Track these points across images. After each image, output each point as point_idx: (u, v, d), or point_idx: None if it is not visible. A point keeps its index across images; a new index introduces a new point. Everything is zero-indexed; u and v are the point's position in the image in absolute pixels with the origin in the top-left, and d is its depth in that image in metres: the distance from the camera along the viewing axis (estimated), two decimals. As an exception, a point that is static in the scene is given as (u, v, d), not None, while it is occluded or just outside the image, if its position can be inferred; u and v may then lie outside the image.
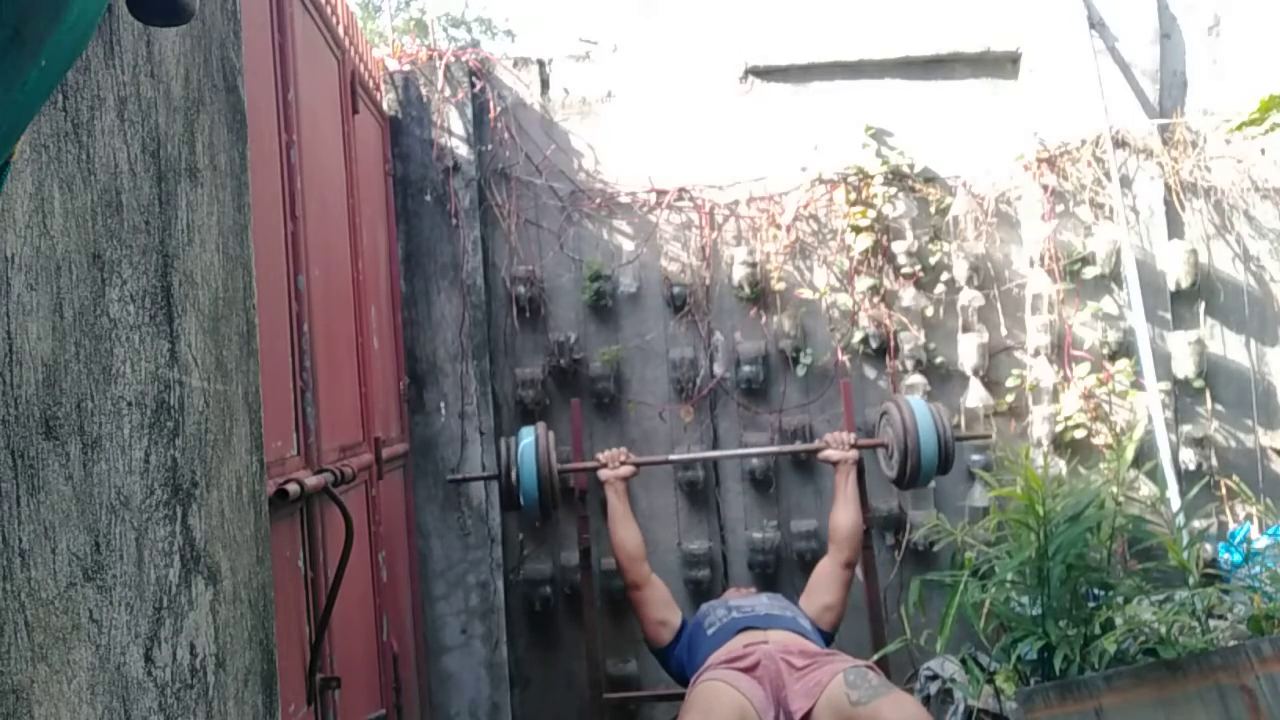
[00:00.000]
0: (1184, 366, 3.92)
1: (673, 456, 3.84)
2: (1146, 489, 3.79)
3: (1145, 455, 3.78)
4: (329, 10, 2.96)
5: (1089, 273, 3.97)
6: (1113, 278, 3.98)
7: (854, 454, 3.61)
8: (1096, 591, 3.15)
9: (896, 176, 4.01)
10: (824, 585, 3.49)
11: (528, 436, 3.52)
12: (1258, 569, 3.31)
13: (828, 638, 3.37)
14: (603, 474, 3.63)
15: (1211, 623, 3.12)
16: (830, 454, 3.64)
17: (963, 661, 3.46)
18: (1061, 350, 3.97)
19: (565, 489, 3.79)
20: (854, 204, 4.00)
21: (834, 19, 4.04)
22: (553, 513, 3.64)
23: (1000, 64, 4.08)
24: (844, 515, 3.53)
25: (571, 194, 4.06)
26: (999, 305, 4.03)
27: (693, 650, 3.30)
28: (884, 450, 3.65)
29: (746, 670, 3.03)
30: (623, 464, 3.63)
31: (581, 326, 4.05)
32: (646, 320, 4.06)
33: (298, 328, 2.34)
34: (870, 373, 4.05)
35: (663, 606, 3.48)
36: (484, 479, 3.76)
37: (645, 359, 4.07)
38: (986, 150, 4.03)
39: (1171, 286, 3.96)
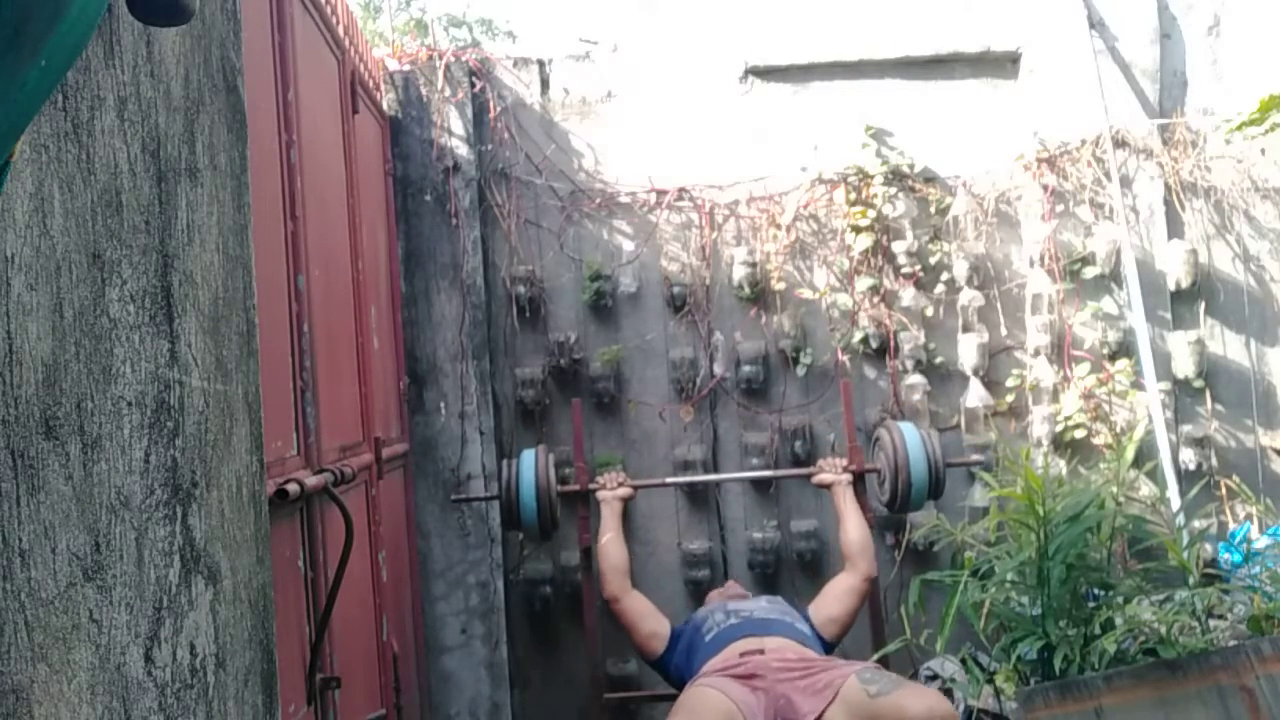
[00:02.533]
0: (1184, 366, 3.92)
1: (669, 480, 3.89)
2: (1146, 489, 3.79)
3: (1145, 455, 3.78)
4: (329, 10, 2.96)
5: (1089, 273, 3.97)
6: (1113, 278, 3.98)
7: (847, 477, 3.63)
8: (1096, 591, 3.15)
9: (896, 176, 4.01)
10: (835, 597, 3.46)
11: (528, 460, 3.56)
12: (1258, 569, 3.31)
13: (828, 646, 3.35)
14: (600, 494, 3.66)
15: (1211, 623, 3.12)
16: (824, 478, 3.67)
17: (963, 661, 3.46)
18: (1061, 350, 3.97)
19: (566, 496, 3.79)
20: (854, 204, 4.00)
21: (834, 19, 4.04)
22: (552, 534, 3.67)
23: (1000, 64, 4.08)
24: (851, 530, 3.52)
25: (571, 194, 4.06)
26: (999, 305, 4.03)
27: (690, 655, 3.28)
28: (876, 475, 3.67)
29: (741, 678, 3.02)
30: (620, 485, 3.66)
31: (581, 326, 4.05)
32: (646, 320, 4.06)
33: (298, 328, 2.34)
34: (870, 373, 4.05)
35: (649, 618, 3.47)
36: (485, 499, 3.80)
37: (645, 359, 4.07)
38: (986, 150, 4.03)
39: (1171, 286, 3.96)
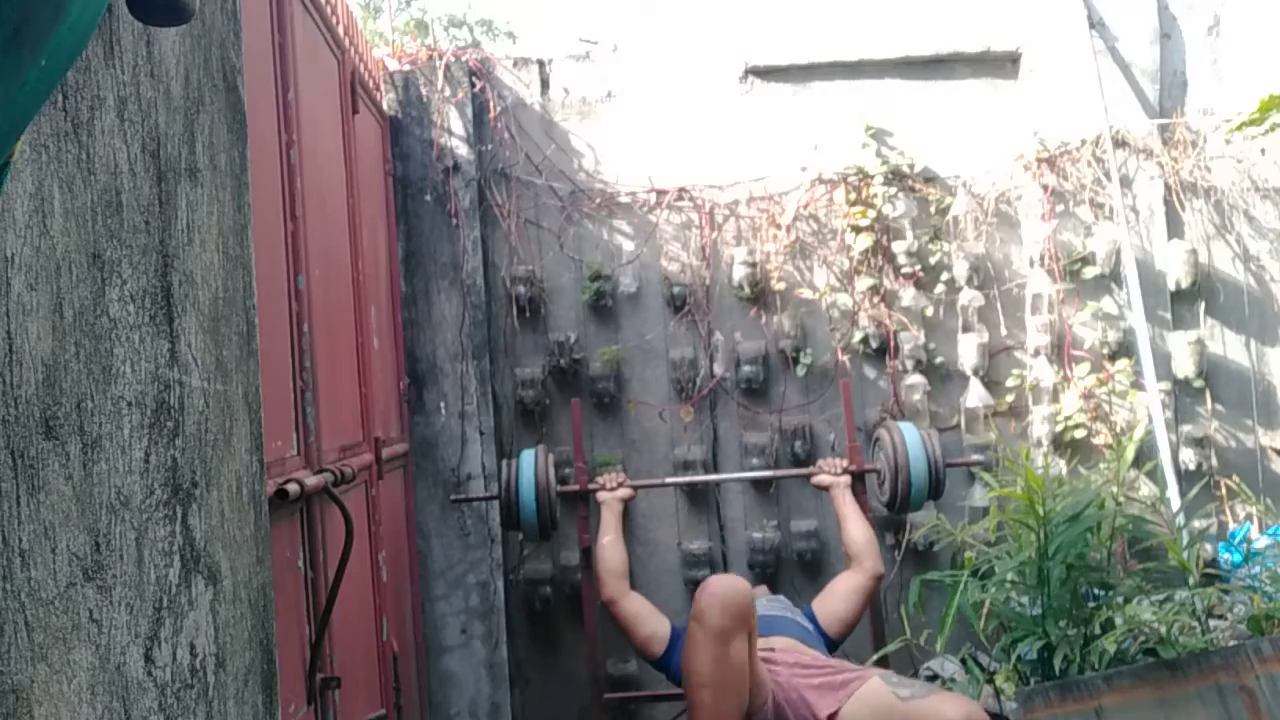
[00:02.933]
0: (1184, 366, 3.92)
1: (669, 480, 3.88)
2: (1146, 489, 3.79)
3: (1145, 455, 3.78)
4: (329, 10, 2.96)
5: (1089, 273, 3.97)
6: (1113, 278, 3.98)
7: (845, 479, 3.62)
8: (1096, 591, 3.15)
9: (896, 176, 4.01)
10: (842, 597, 3.45)
11: (527, 460, 3.55)
12: (1258, 569, 3.31)
13: (831, 645, 3.34)
14: (601, 495, 3.66)
15: (1211, 623, 3.12)
16: (822, 479, 3.67)
17: (963, 661, 3.46)
18: (1061, 350, 3.97)
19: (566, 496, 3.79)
20: (854, 204, 4.00)
21: (834, 19, 4.04)
22: (552, 534, 3.67)
23: (1000, 64, 4.08)
24: (854, 530, 3.52)
25: (571, 194, 4.06)
26: (999, 305, 4.03)
27: None
28: (876, 475, 3.67)
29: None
30: (620, 485, 3.66)
31: (581, 326, 4.05)
32: (646, 320, 4.06)
33: (298, 328, 2.34)
34: (870, 373, 4.05)
35: (648, 620, 3.43)
36: (485, 499, 3.80)
37: (645, 359, 4.07)
38: (986, 150, 4.03)
39: (1171, 286, 3.96)
